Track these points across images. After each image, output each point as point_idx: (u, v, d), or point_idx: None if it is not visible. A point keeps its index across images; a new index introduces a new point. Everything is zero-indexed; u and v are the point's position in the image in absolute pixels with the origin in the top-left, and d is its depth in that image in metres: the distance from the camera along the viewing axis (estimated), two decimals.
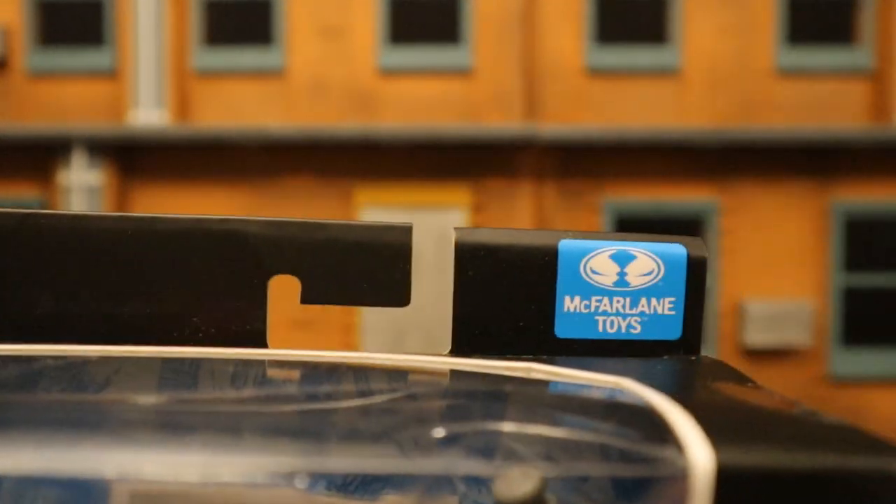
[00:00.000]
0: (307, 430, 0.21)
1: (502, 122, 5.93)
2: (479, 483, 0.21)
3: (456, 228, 0.25)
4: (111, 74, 6.03)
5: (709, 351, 5.89)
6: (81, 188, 5.88)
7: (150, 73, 5.88)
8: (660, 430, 0.19)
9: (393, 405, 0.22)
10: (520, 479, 0.19)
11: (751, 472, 0.17)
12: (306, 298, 0.26)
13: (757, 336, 5.80)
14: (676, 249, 0.25)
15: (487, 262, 0.25)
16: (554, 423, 0.21)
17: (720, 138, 5.78)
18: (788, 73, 5.98)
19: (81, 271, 0.25)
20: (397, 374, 0.24)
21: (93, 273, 0.25)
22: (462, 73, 6.00)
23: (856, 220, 5.96)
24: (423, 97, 6.01)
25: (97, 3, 6.06)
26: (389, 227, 0.25)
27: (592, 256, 0.25)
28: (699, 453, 0.17)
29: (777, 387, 5.88)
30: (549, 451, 0.20)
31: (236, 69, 6.02)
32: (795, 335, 5.80)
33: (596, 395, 0.23)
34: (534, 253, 0.25)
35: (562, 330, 0.26)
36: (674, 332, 0.26)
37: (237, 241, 0.24)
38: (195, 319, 0.26)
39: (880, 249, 5.97)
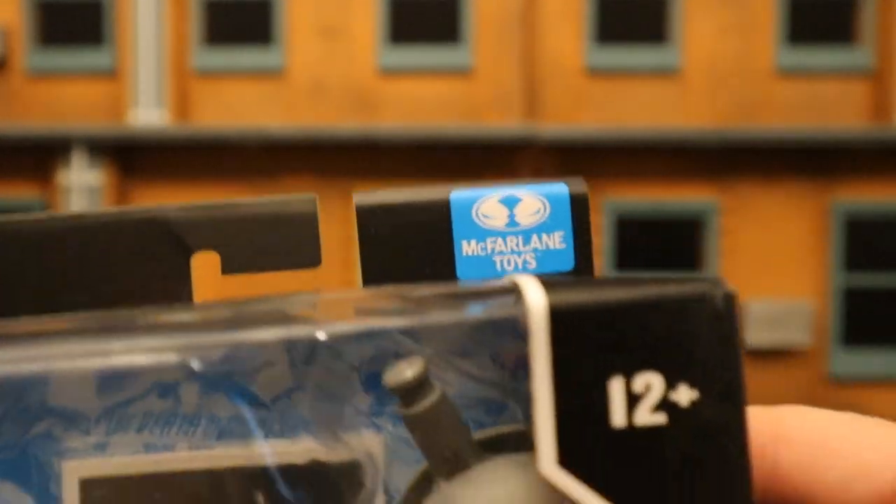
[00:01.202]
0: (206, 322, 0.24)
1: (502, 122, 5.94)
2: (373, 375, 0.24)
3: (354, 193, 0.28)
4: (111, 74, 6.03)
5: None
6: (81, 188, 5.88)
7: (150, 72, 5.89)
8: (508, 289, 0.22)
9: (290, 306, 0.24)
10: (404, 367, 0.21)
11: (579, 307, 0.20)
12: (227, 270, 0.27)
13: (757, 336, 5.80)
14: (559, 188, 0.27)
15: (387, 220, 0.27)
16: (424, 307, 0.24)
17: (720, 138, 5.78)
18: (789, 73, 5.99)
19: (14, 274, 0.26)
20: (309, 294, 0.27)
21: (25, 275, 0.27)
22: (462, 72, 6.00)
23: (856, 220, 5.96)
24: (423, 97, 6.02)
25: (97, 3, 6.06)
26: (295, 199, 0.27)
27: (482, 202, 0.27)
28: (535, 297, 0.20)
29: (777, 387, 5.88)
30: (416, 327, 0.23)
31: (236, 69, 6.03)
32: (796, 335, 5.81)
33: (471, 284, 0.25)
34: (429, 206, 0.27)
35: (463, 272, 0.28)
36: (567, 264, 0.29)
37: (159, 225, 0.27)
38: (127, 304, 0.28)
39: (881, 249, 5.97)
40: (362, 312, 0.24)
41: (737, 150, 5.91)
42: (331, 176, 6.00)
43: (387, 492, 0.24)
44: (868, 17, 5.96)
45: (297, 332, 0.23)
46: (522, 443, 0.22)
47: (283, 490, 0.23)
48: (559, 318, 0.20)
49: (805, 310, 5.84)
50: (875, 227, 5.97)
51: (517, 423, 0.23)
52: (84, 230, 0.27)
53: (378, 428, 0.24)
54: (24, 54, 6.07)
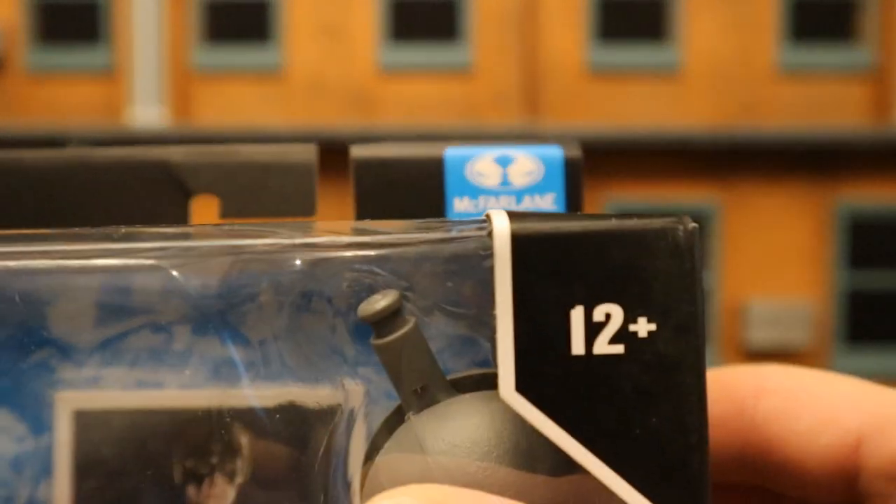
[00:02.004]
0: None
1: (502, 120, 5.93)
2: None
3: (351, 146, 0.28)
4: (110, 73, 6.03)
5: (710, 351, 5.87)
6: None
7: (149, 71, 5.89)
8: (482, 220, 0.23)
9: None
10: (378, 298, 0.22)
11: (541, 234, 0.21)
12: (225, 215, 0.29)
13: (759, 336, 5.78)
14: (553, 151, 0.28)
15: (382, 173, 0.27)
16: (399, 240, 0.24)
17: (722, 138, 5.78)
18: (790, 73, 5.98)
19: (16, 208, 0.27)
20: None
21: (27, 209, 0.27)
22: (462, 71, 6.00)
23: (859, 220, 5.95)
24: (423, 96, 6.01)
25: (95, 1, 6.07)
26: (295, 148, 0.28)
27: (476, 161, 0.27)
28: (500, 224, 0.21)
29: None
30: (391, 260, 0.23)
31: (235, 68, 6.03)
32: (798, 335, 5.79)
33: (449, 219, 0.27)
34: (423, 161, 0.27)
35: None
36: None
37: (162, 167, 0.28)
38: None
39: (883, 249, 5.96)
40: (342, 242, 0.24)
41: (738, 150, 5.90)
42: (330, 176, 5.97)
43: (368, 436, 0.24)
44: (870, 16, 5.95)
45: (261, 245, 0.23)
46: (495, 384, 0.22)
47: (267, 429, 0.24)
48: (522, 245, 0.20)
49: (807, 310, 5.82)
50: (877, 227, 5.96)
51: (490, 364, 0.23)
52: (88, 168, 0.27)
53: (362, 378, 0.24)
54: (23, 53, 6.07)
